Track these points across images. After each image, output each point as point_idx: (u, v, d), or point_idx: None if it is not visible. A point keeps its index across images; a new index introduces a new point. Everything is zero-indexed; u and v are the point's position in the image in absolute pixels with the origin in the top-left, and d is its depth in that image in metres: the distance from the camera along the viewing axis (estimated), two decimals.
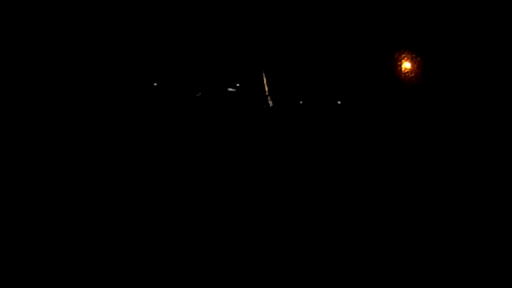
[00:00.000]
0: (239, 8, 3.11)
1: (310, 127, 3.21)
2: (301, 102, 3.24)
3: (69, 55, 3.00)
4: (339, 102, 3.20)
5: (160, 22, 3.10)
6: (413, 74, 3.05)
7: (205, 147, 3.05)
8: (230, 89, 3.21)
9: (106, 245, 2.31)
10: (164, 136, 3.08)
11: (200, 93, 3.22)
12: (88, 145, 2.91)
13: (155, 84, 3.16)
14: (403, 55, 3.04)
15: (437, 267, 2.16)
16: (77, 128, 2.96)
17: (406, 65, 3.05)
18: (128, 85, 3.14)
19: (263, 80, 3.14)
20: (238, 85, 3.19)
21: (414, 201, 2.64)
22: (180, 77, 3.23)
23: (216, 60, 3.25)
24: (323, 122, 3.22)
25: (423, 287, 2.08)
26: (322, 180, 2.87)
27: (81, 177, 2.73)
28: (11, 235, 2.31)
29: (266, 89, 3.06)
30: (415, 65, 3.03)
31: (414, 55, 3.03)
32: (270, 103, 3.08)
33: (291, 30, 3.18)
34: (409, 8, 3.00)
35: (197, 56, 3.23)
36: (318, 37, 3.18)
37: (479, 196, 2.59)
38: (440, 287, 2.07)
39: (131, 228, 2.43)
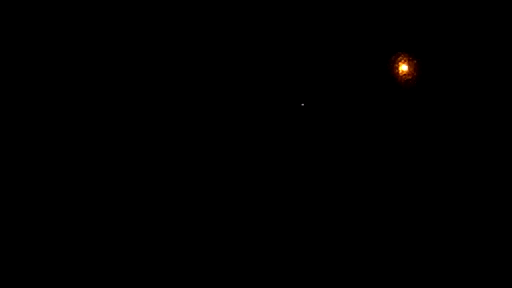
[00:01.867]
0: (236, 9, 3.13)
1: (308, 130, 3.22)
2: (296, 105, 3.25)
3: (76, 55, 2.99)
4: (334, 105, 3.21)
5: (163, 25, 3.10)
6: (410, 77, 3.07)
7: (204, 147, 3.04)
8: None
9: (106, 245, 2.29)
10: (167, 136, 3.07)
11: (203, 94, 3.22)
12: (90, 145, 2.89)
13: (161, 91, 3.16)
14: (400, 58, 3.07)
15: (437, 267, 2.17)
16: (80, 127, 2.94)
17: (403, 67, 3.08)
18: (130, 86, 3.13)
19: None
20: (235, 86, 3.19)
21: (410, 205, 2.65)
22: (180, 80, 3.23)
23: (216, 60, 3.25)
24: (319, 125, 3.23)
25: (423, 287, 2.08)
26: (318, 181, 2.88)
27: (84, 175, 2.71)
28: (11, 235, 2.29)
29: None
30: (412, 68, 3.06)
31: (411, 58, 3.06)
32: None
33: (285, 32, 3.20)
34: (406, 9, 3.03)
35: (199, 58, 3.24)
36: (312, 39, 3.20)
37: (478, 199, 2.60)
38: (440, 287, 2.07)
39: (139, 224, 2.41)
